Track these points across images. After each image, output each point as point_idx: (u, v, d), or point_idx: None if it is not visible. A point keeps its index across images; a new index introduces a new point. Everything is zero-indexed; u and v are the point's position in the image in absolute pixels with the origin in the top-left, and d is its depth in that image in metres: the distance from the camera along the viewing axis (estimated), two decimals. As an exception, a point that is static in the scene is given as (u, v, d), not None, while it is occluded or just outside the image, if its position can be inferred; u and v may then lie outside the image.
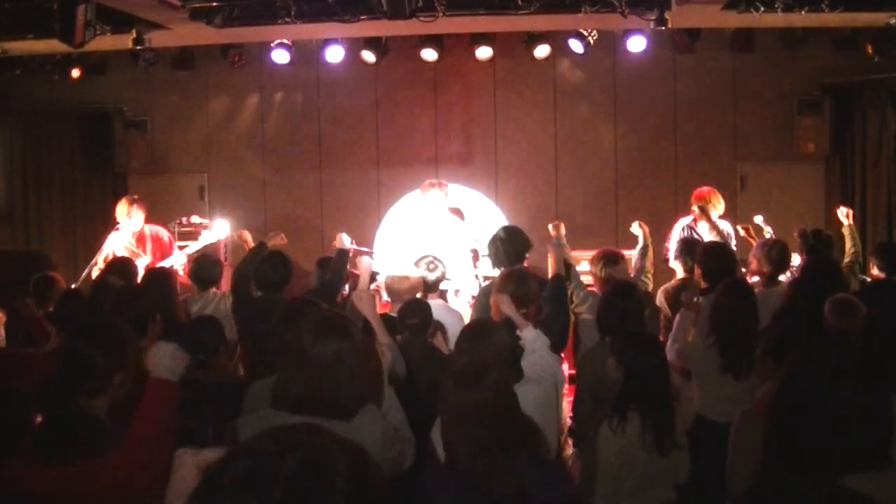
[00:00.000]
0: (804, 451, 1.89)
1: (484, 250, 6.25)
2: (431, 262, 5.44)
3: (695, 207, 6.83)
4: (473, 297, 6.42)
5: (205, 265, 6.06)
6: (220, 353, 4.33)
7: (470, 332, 3.75)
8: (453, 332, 4.92)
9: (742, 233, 6.79)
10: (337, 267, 5.57)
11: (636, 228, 6.18)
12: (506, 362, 3.51)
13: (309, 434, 1.30)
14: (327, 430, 1.32)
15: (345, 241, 5.95)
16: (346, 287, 5.76)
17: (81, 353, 2.96)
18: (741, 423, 3.24)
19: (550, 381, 3.80)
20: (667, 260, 6.97)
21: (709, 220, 6.62)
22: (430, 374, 4.09)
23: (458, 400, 2.86)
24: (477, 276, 6.79)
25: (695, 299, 4.66)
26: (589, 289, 5.63)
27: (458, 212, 7.35)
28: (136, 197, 7.29)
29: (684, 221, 7.12)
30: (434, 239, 6.58)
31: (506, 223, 7.25)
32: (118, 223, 7.08)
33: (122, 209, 7.06)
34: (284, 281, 5.31)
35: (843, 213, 6.70)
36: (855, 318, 3.99)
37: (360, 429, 2.65)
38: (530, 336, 3.91)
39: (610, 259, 5.60)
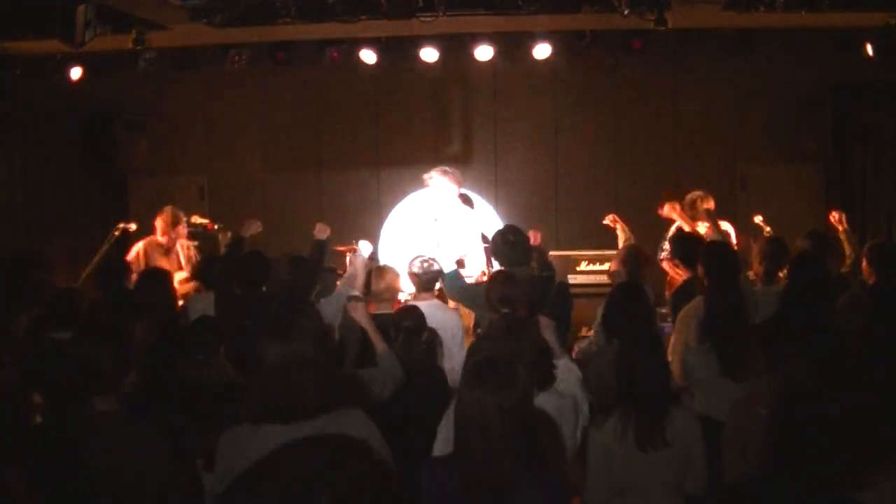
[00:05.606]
0: (803, 455, 1.85)
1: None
2: (426, 262, 5.40)
3: (705, 208, 6.80)
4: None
5: (210, 265, 6.04)
6: (219, 354, 4.33)
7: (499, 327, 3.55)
8: (451, 333, 4.91)
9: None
10: (310, 265, 5.39)
11: (611, 222, 6.07)
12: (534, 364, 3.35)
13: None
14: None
15: (364, 249, 5.70)
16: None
17: (89, 356, 2.97)
18: (732, 412, 3.25)
19: (570, 401, 3.70)
20: (661, 260, 6.95)
21: (713, 222, 6.58)
22: (426, 379, 4.07)
23: (478, 396, 2.66)
24: (489, 264, 6.67)
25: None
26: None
27: (466, 199, 7.29)
28: (172, 209, 7.28)
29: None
30: (448, 229, 6.52)
31: (507, 223, 7.21)
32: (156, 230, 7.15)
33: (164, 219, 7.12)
34: (263, 279, 5.34)
35: (836, 219, 6.63)
36: (862, 319, 3.98)
37: (343, 426, 2.55)
38: (564, 366, 3.86)
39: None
